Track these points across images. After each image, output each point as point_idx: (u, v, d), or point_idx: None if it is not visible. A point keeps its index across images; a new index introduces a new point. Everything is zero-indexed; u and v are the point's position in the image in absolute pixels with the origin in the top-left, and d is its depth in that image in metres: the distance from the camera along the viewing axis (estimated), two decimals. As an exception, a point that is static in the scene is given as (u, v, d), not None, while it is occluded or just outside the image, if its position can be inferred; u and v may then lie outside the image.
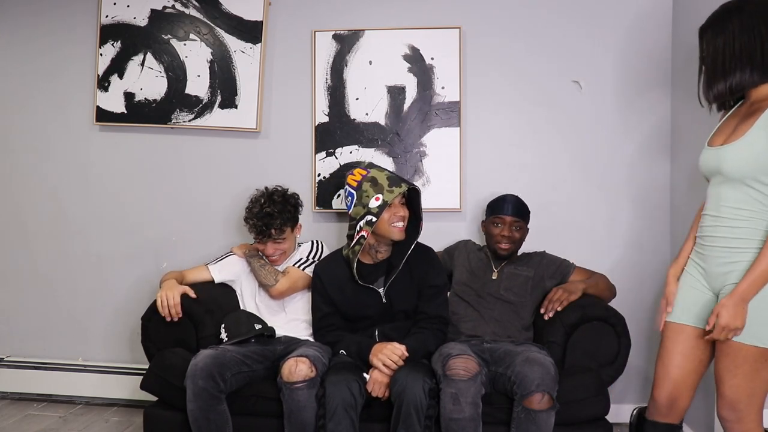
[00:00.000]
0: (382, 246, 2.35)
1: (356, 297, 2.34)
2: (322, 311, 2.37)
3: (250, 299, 2.56)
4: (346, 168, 2.83)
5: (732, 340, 1.66)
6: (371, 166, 2.34)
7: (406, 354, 2.14)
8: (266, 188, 2.56)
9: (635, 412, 2.00)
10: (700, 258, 1.82)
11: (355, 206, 2.28)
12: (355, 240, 2.26)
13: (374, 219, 2.21)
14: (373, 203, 2.22)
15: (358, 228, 2.25)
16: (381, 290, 2.34)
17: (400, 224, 2.27)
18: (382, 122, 2.86)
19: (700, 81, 1.80)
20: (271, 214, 2.44)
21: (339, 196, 2.89)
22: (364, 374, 2.14)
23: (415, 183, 2.81)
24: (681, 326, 1.82)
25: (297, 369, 2.07)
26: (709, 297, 1.79)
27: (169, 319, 2.34)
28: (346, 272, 2.34)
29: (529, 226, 2.54)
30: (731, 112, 1.83)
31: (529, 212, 2.54)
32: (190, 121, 2.96)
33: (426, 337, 2.26)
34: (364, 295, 2.33)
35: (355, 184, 2.29)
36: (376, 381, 2.12)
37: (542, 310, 2.37)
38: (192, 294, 2.39)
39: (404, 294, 2.33)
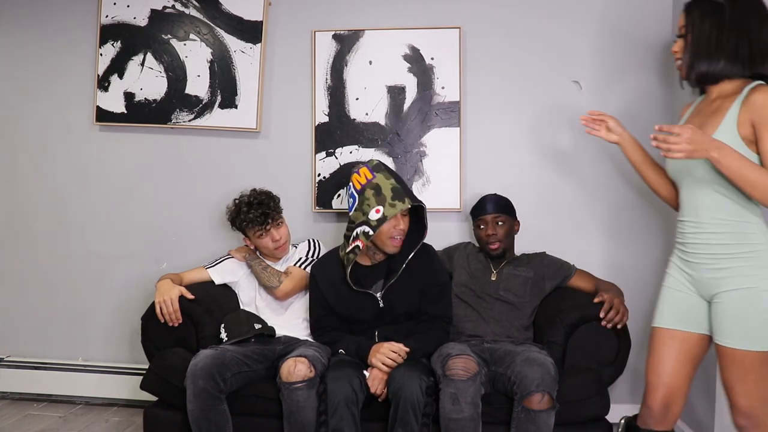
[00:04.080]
0: (380, 249, 2.31)
1: (351, 300, 2.29)
2: (318, 313, 2.35)
3: (251, 301, 2.56)
4: (347, 168, 2.84)
5: (736, 349, 1.64)
6: (379, 168, 2.25)
7: (406, 349, 2.14)
8: (240, 195, 2.56)
9: (623, 421, 1.96)
10: (686, 264, 1.78)
11: (355, 210, 2.23)
12: (350, 248, 2.21)
13: (371, 232, 2.17)
14: (373, 215, 2.16)
15: (354, 235, 2.21)
16: (378, 294, 2.30)
17: (398, 238, 2.23)
18: (382, 122, 2.86)
19: (684, 55, 1.76)
20: (261, 202, 2.48)
21: (339, 196, 2.88)
22: (364, 371, 2.15)
23: (414, 183, 2.82)
24: (672, 332, 1.80)
25: (296, 369, 2.07)
26: (699, 301, 1.76)
27: (169, 324, 2.35)
28: (341, 273, 2.27)
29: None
30: (693, 108, 1.82)
31: (511, 207, 2.52)
32: (190, 121, 2.96)
33: (429, 338, 2.26)
34: (360, 298, 2.29)
35: (359, 186, 2.22)
36: (375, 377, 2.12)
37: (604, 323, 2.22)
38: (189, 295, 2.39)
39: (404, 296, 2.29)
